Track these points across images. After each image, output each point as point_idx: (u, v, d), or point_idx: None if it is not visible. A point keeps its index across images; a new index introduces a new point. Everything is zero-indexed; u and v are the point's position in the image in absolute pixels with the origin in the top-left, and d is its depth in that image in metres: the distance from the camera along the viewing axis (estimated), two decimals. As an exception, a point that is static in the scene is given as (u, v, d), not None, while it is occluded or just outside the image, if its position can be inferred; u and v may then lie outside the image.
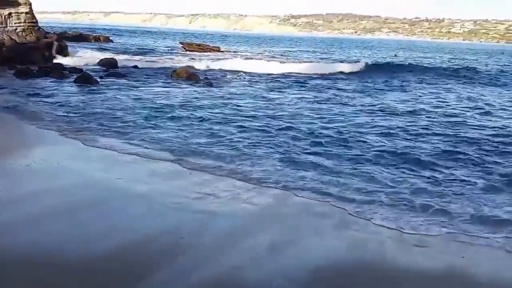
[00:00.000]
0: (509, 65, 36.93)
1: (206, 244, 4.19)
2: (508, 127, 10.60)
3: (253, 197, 5.45)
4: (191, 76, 17.58)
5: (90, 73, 15.59)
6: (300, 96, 14.47)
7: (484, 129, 10.16)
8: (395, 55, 43.84)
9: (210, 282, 3.59)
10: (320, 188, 5.84)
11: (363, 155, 7.53)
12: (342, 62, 28.90)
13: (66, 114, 9.70)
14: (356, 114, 11.48)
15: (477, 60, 44.27)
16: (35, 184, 5.47)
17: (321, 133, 9.02)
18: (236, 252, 4.06)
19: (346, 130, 9.33)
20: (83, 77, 14.65)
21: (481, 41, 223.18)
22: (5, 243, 3.98)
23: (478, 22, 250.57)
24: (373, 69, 23.90)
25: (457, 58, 45.08)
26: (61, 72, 16.23)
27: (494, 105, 14.44)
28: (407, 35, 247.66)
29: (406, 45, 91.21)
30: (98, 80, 14.98)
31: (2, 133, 8.36)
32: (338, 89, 16.87)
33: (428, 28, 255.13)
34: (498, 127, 10.51)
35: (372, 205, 5.37)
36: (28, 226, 4.32)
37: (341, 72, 22.43)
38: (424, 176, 6.54)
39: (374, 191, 5.84)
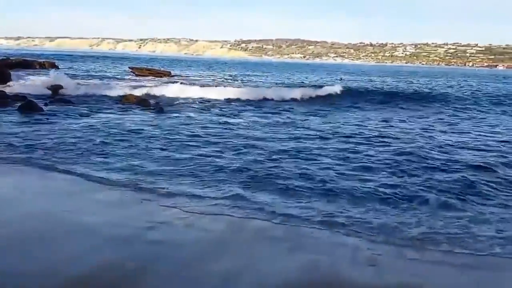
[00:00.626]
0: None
1: (157, 276, 4.05)
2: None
3: (206, 224, 5.38)
4: (142, 102, 17.33)
5: (35, 100, 15.00)
6: (255, 120, 14.64)
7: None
8: (341, 79, 45.14)
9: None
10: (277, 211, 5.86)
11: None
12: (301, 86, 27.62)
13: (9, 143, 9.24)
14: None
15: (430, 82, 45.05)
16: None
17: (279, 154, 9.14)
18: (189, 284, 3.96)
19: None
20: (27, 105, 14.05)
21: (422, 64, 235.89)
22: None
23: (419, 46, 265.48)
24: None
25: (401, 81, 46.72)
26: (2, 100, 15.49)
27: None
28: (352, 59, 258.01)
29: (352, 69, 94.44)
30: (44, 107, 14.43)
31: None
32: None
33: (372, 53, 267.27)
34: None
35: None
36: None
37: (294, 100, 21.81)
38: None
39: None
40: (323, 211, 5.96)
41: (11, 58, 39.06)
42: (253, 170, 7.83)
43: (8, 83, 21.73)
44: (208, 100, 20.12)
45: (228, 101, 20.40)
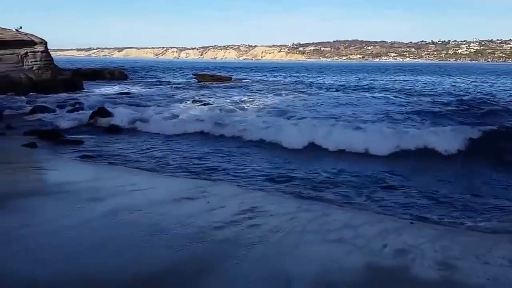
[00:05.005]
0: None
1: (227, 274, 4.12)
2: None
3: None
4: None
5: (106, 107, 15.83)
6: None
7: None
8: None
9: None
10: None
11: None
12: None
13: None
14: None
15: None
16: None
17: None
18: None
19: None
20: (99, 112, 14.86)
21: (488, 61, 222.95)
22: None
23: (483, 43, 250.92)
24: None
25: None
26: (78, 107, 16.54)
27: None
28: (414, 58, 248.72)
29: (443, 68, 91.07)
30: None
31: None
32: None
33: (435, 51, 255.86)
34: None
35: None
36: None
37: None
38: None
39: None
40: None
41: (83, 69, 41.47)
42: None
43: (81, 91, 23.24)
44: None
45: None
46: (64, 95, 21.91)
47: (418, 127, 12.68)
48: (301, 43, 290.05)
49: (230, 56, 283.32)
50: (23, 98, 19.55)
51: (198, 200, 6.38)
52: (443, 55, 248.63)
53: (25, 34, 23.49)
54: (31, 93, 21.13)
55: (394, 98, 23.43)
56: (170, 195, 6.54)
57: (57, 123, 13.26)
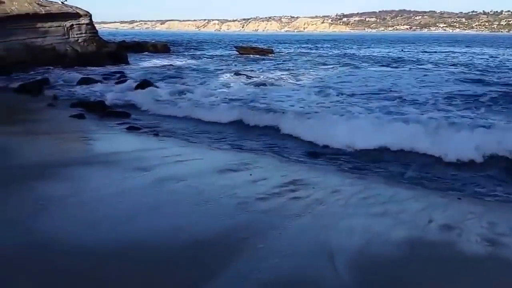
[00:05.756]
0: None
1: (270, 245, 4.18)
2: None
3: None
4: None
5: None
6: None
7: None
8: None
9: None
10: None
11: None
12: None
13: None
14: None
15: None
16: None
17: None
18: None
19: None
20: (143, 83, 15.18)
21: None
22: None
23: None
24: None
25: None
26: (123, 79, 16.94)
27: None
28: (464, 29, 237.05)
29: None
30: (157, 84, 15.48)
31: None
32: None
33: (486, 21, 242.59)
34: None
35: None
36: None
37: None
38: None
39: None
40: None
41: (126, 41, 42.18)
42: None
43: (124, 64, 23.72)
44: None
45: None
46: (109, 67, 22.43)
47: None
48: (344, 13, 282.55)
49: (272, 28, 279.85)
50: (70, 70, 20.15)
51: (241, 172, 6.46)
52: (495, 26, 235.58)
53: (70, 7, 23.97)
54: (76, 66, 21.72)
55: (457, 73, 21.99)
56: (214, 167, 6.65)
57: (103, 95, 13.63)
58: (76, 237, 4.22)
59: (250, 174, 6.31)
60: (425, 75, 20.67)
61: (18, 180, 5.69)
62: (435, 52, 45.18)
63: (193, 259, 3.89)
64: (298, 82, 18.06)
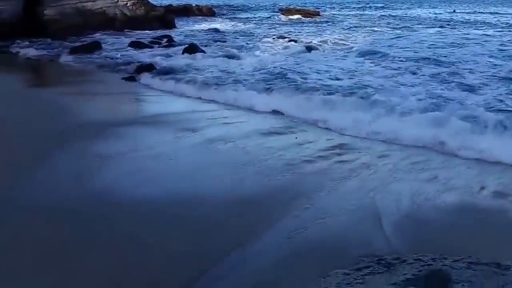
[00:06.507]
0: None
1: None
2: None
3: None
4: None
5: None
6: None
7: None
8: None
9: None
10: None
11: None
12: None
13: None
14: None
15: None
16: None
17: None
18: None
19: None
20: (190, 47, 15.31)
21: None
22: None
23: None
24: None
25: None
26: (171, 43, 17.15)
27: None
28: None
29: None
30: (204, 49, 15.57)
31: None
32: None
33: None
34: None
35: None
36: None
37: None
38: None
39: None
40: None
41: (173, 5, 42.35)
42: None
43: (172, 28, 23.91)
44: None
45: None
46: (157, 31, 22.67)
47: None
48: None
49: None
50: (119, 34, 20.56)
51: (286, 135, 6.52)
52: None
53: (119, -30, 24.17)
54: (126, 29, 22.08)
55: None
56: (259, 129, 6.72)
57: (152, 59, 13.89)
58: (131, 191, 4.48)
59: (296, 137, 6.35)
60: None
61: (77, 137, 6.04)
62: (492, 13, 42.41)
63: (240, 218, 4.04)
64: (346, 46, 17.56)
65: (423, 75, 10.50)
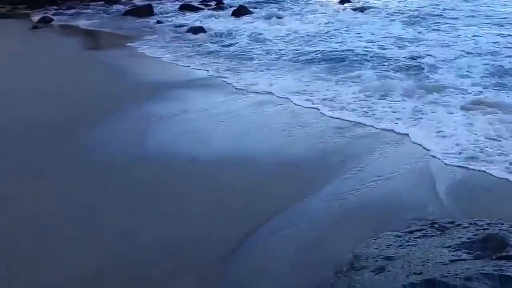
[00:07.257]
0: None
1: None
2: None
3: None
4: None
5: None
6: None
7: None
8: None
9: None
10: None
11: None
12: None
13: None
14: None
15: None
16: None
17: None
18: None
19: None
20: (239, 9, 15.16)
21: None
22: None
23: None
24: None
25: None
26: (219, 6, 17.07)
27: None
28: None
29: None
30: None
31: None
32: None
33: None
34: None
35: None
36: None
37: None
38: None
39: None
40: None
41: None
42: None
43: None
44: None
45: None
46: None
47: None
48: None
49: None
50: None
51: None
52: None
53: None
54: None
55: None
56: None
57: (203, 21, 13.88)
58: (186, 150, 4.66)
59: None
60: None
61: (132, 98, 6.25)
62: None
63: (291, 178, 4.11)
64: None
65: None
